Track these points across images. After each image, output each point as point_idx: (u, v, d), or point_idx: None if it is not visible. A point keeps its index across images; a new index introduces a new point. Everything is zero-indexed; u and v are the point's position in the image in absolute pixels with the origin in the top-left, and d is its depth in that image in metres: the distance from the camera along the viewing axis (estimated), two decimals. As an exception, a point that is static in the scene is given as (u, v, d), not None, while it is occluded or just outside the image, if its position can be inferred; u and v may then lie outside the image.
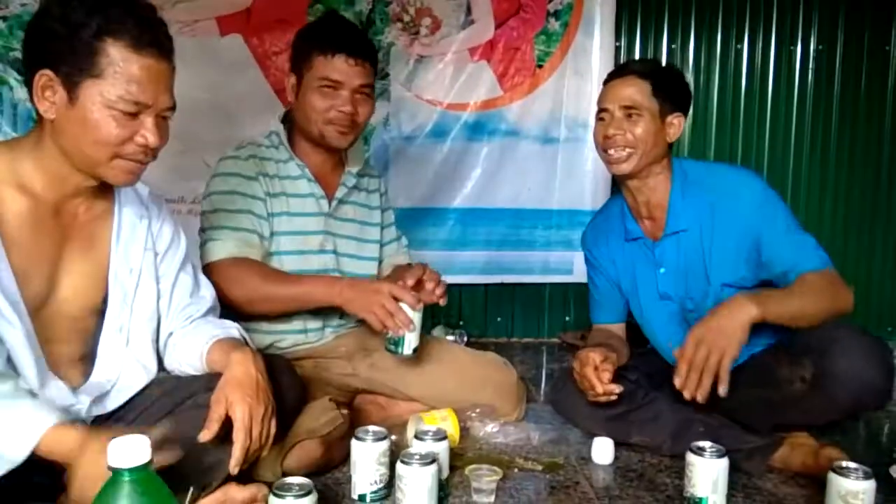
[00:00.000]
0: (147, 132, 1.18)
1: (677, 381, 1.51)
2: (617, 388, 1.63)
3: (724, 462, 1.39)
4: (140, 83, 1.14)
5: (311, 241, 1.82)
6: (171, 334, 1.41)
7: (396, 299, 1.63)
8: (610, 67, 2.80)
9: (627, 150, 1.70)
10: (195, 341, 1.37)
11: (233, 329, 1.42)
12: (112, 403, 1.32)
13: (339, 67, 1.70)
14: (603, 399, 1.65)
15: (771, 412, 1.62)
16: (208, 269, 1.66)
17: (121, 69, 1.13)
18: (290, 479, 1.22)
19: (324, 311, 1.83)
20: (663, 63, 1.93)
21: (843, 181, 2.92)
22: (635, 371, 1.81)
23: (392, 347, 1.66)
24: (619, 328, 1.96)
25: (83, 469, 1.04)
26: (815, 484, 1.52)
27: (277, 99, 2.60)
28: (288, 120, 1.86)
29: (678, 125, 1.74)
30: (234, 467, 1.23)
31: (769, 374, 1.62)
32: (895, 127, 2.92)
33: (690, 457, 1.40)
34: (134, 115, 1.16)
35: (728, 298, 1.56)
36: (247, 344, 1.41)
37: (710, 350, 1.48)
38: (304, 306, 1.74)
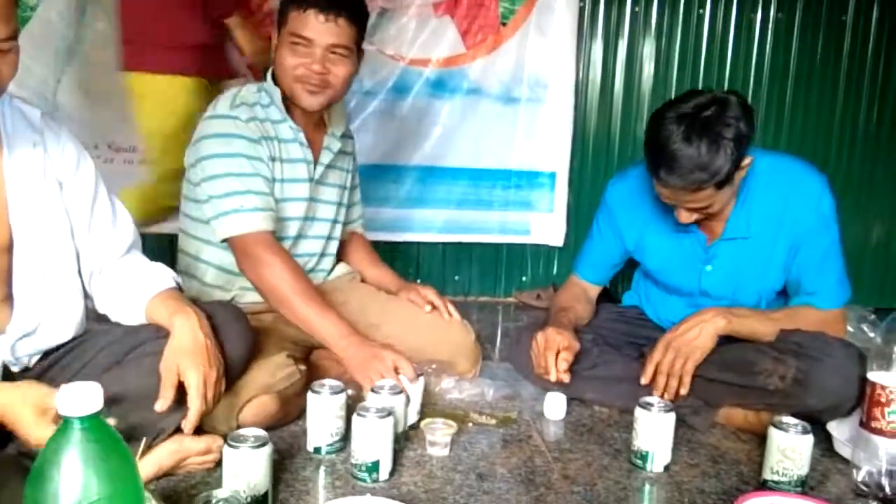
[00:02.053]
0: None
1: (643, 381, 1.58)
2: (566, 378, 1.65)
3: (670, 417, 1.44)
4: None
5: (297, 208, 1.78)
6: (91, 274, 1.34)
7: (397, 370, 1.56)
8: (573, 28, 2.79)
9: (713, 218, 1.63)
10: (130, 293, 1.32)
11: (167, 277, 1.36)
12: (43, 343, 1.27)
13: (310, 23, 1.62)
14: (552, 381, 1.67)
15: (735, 394, 1.63)
16: (237, 241, 1.62)
17: None
18: (244, 431, 1.22)
19: None
20: (709, 130, 1.47)
21: (794, 149, 2.99)
22: (593, 331, 1.82)
23: None
24: (594, 290, 1.95)
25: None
26: (756, 439, 1.59)
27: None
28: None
29: (748, 163, 1.53)
30: (188, 429, 1.24)
31: (749, 362, 1.59)
32: (847, 94, 2.98)
33: (638, 411, 1.45)
34: None
35: (699, 311, 1.63)
36: (181, 290, 1.38)
37: (676, 356, 1.59)
38: (306, 331, 1.65)
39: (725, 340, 1.64)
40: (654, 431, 1.43)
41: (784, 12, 2.89)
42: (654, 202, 1.70)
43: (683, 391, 1.58)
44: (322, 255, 1.91)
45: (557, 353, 1.66)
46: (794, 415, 1.41)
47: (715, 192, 1.51)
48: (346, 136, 1.94)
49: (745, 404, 1.64)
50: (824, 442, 1.54)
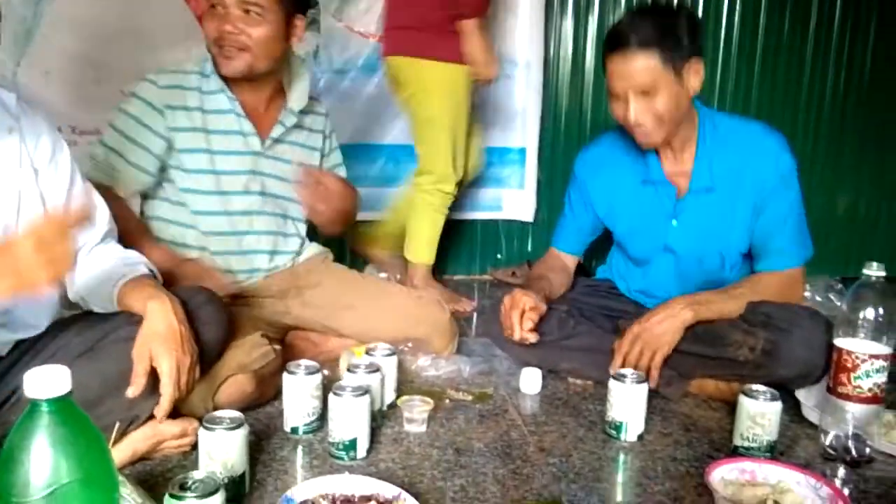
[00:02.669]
0: None
1: (611, 372, 1.58)
2: (532, 338, 1.67)
3: (643, 388, 1.46)
4: None
5: (235, 181, 1.75)
6: None
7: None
8: (542, 4, 2.78)
9: (654, 126, 1.59)
10: (103, 280, 1.30)
11: (140, 265, 1.35)
12: (16, 332, 1.25)
13: None
14: (516, 341, 1.69)
15: (706, 366, 1.66)
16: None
17: None
18: (220, 413, 1.21)
19: (252, 257, 1.81)
20: (662, 10, 1.69)
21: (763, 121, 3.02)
22: (567, 303, 1.84)
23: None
24: (571, 260, 1.96)
25: None
26: (726, 407, 1.62)
27: (199, 24, 2.47)
28: None
29: (697, 72, 1.59)
30: (161, 419, 1.23)
31: (720, 335, 1.62)
32: (814, 69, 3.02)
33: (612, 383, 1.47)
34: None
35: (666, 302, 1.65)
36: (155, 277, 1.36)
37: (644, 348, 1.61)
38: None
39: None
40: (627, 402, 1.45)
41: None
42: (621, 165, 1.77)
43: (652, 384, 1.58)
44: (281, 234, 1.87)
45: (523, 314, 1.67)
46: (765, 384, 1.44)
47: (661, 68, 1.54)
48: (312, 112, 1.89)
49: (716, 375, 1.67)
50: (793, 408, 1.58)
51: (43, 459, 0.68)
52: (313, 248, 1.98)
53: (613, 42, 1.59)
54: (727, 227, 1.70)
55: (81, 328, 1.30)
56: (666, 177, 1.73)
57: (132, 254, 1.38)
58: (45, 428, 0.68)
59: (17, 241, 1.00)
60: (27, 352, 1.27)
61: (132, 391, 1.18)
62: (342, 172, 1.99)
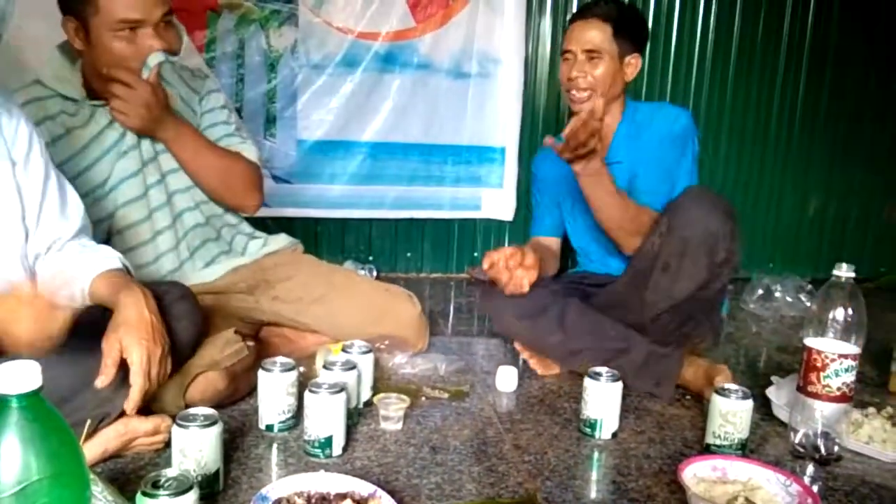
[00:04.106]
0: None
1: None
2: (525, 286, 1.73)
3: (617, 386, 1.47)
4: None
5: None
6: (37, 256, 1.30)
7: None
8: (522, 3, 2.80)
9: (588, 90, 1.82)
10: (74, 273, 1.28)
11: (113, 258, 1.33)
12: None
13: (132, 2, 1.47)
14: (516, 291, 1.73)
15: (646, 292, 1.68)
16: None
17: None
18: (194, 410, 1.20)
19: (205, 247, 1.79)
20: (626, 3, 1.97)
21: (737, 123, 3.07)
22: (553, 284, 1.91)
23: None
24: (554, 242, 2.08)
25: None
26: (698, 406, 1.65)
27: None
28: (69, 53, 1.60)
29: (635, 65, 1.87)
30: (131, 411, 1.21)
31: (640, 252, 1.72)
32: (787, 70, 3.06)
33: (587, 381, 1.48)
34: None
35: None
36: (129, 273, 1.35)
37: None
38: None
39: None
40: (602, 400, 1.47)
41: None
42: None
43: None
44: (214, 229, 1.82)
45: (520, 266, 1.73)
46: (703, 281, 1.58)
47: (611, 41, 1.81)
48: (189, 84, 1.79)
49: (661, 299, 1.67)
50: (764, 407, 1.61)
51: (13, 456, 0.67)
52: (282, 240, 1.95)
53: (580, 12, 1.92)
54: (634, 190, 1.81)
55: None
56: None
57: (105, 248, 1.36)
58: (15, 424, 0.67)
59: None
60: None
61: (101, 381, 1.16)
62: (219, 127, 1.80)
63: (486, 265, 1.74)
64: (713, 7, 2.95)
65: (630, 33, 1.85)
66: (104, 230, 1.63)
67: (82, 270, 1.28)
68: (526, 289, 1.74)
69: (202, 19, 2.53)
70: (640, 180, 1.85)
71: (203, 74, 1.85)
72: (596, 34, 1.82)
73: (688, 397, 1.71)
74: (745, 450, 1.41)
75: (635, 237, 1.73)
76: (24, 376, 0.68)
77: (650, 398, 1.70)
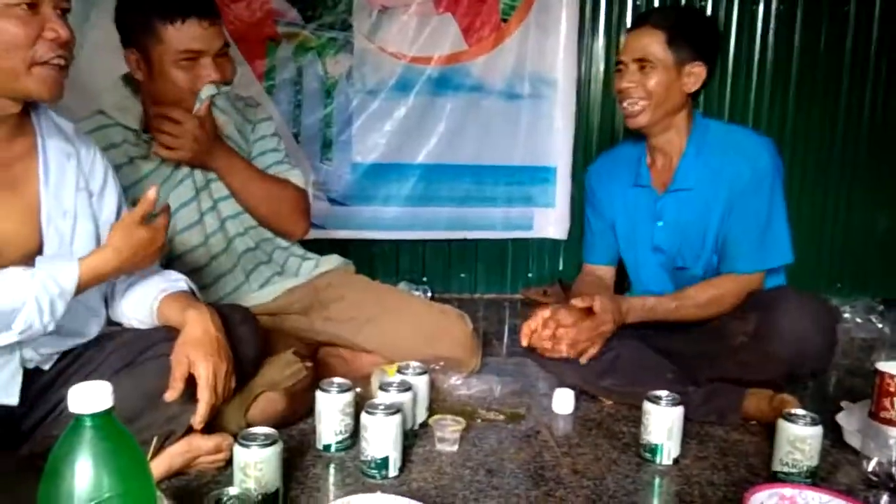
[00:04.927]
0: (54, 24, 1.11)
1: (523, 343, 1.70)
2: (562, 347, 1.67)
3: (678, 410, 1.43)
4: None
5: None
6: (112, 283, 1.37)
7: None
8: (575, 23, 2.80)
9: (641, 102, 1.70)
10: (143, 294, 1.34)
11: (181, 281, 1.39)
12: (64, 343, 1.28)
13: (194, 34, 1.55)
14: (556, 356, 1.68)
15: (712, 364, 1.67)
16: None
17: None
18: (255, 429, 1.22)
19: (258, 270, 1.83)
20: (687, 8, 1.96)
21: (800, 139, 2.98)
22: None
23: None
24: (607, 271, 1.97)
25: None
26: (765, 431, 1.58)
27: (237, 49, 2.53)
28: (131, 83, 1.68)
29: (698, 75, 1.71)
30: (198, 424, 1.24)
31: (718, 329, 1.68)
32: (852, 84, 2.97)
33: (647, 405, 1.45)
34: (33, 9, 1.10)
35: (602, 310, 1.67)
36: (195, 295, 1.39)
37: (556, 344, 1.68)
38: None
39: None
40: (663, 424, 1.43)
41: (786, 3, 2.88)
42: (619, 172, 1.88)
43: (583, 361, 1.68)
44: (265, 253, 1.87)
45: (558, 328, 1.67)
46: (783, 377, 1.50)
47: (664, 49, 1.68)
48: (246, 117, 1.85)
49: (725, 373, 1.65)
50: (834, 433, 1.54)
51: (85, 474, 0.69)
52: (333, 260, 1.99)
53: (635, 21, 1.81)
54: (703, 224, 1.74)
55: (121, 343, 1.33)
56: (652, 180, 1.81)
57: (172, 272, 1.41)
58: (88, 443, 0.70)
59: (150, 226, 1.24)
60: (70, 365, 1.29)
61: (169, 395, 1.20)
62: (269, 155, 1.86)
63: (525, 342, 1.68)
64: (771, 19, 2.89)
65: (690, 40, 1.70)
66: (164, 255, 1.69)
67: (151, 293, 1.34)
68: (565, 353, 1.67)
69: (262, 49, 2.61)
70: (730, 230, 1.72)
71: (255, 103, 1.92)
72: (647, 42, 1.70)
73: (752, 423, 1.65)
74: (815, 478, 1.35)
75: (732, 306, 1.69)
76: (96, 396, 0.71)
77: (713, 423, 1.64)
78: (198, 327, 1.26)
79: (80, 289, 1.18)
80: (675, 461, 1.44)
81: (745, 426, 1.64)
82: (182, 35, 1.55)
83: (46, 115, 1.27)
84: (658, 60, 1.69)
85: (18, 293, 1.11)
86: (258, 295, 1.83)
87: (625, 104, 1.74)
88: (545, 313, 1.68)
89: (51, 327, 1.15)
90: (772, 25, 2.89)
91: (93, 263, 1.19)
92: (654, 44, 1.69)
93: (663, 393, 1.46)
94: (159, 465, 1.24)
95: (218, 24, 1.61)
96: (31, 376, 1.22)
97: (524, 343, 1.69)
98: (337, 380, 1.46)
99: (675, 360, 1.72)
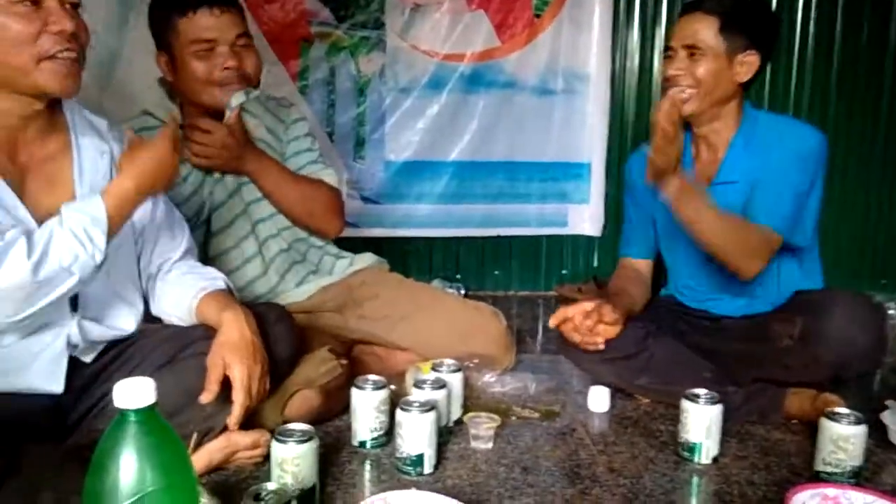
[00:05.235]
0: (57, 17, 1.12)
1: None
2: (598, 341, 1.64)
3: (717, 408, 1.41)
4: None
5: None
6: (150, 277, 1.40)
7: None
8: (609, 18, 2.77)
9: (688, 90, 1.62)
10: (182, 293, 1.37)
11: (219, 280, 1.41)
12: (106, 332, 1.31)
13: (206, 23, 1.59)
14: (591, 348, 1.66)
15: (755, 365, 1.63)
16: None
17: None
18: (291, 426, 1.24)
19: (293, 270, 1.85)
20: None
21: (842, 133, 2.90)
22: (643, 319, 1.79)
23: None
24: (645, 266, 1.92)
25: None
26: (807, 430, 1.55)
27: (271, 50, 2.56)
28: (166, 86, 1.74)
29: (751, 64, 1.63)
30: (234, 426, 1.26)
31: (762, 329, 1.64)
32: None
33: (685, 403, 1.43)
34: (36, 4, 1.11)
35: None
36: (232, 294, 1.41)
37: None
38: None
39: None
40: (701, 423, 1.41)
41: (827, -7, 2.82)
42: None
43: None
44: (299, 253, 1.88)
45: (598, 323, 1.63)
46: (829, 379, 1.45)
47: (716, 36, 1.59)
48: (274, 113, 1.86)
49: (768, 374, 1.62)
50: (878, 432, 1.50)
51: (130, 467, 0.71)
52: (367, 258, 2.00)
53: (686, 4, 1.70)
54: (748, 211, 1.64)
55: (161, 340, 1.35)
56: (696, 172, 1.72)
57: (210, 270, 1.44)
58: (133, 437, 0.71)
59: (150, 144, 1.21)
60: (112, 361, 1.32)
61: (205, 397, 1.22)
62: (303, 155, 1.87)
63: (554, 322, 1.64)
64: (812, 8, 2.82)
65: (745, 27, 1.61)
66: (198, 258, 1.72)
67: (190, 291, 1.36)
68: (602, 346, 1.65)
69: (296, 49, 2.64)
70: (758, 197, 1.63)
71: (288, 103, 1.94)
72: (698, 28, 1.61)
73: (794, 422, 1.62)
74: (859, 478, 1.32)
75: (753, 259, 1.57)
76: (140, 392, 0.72)
77: (753, 422, 1.62)
78: (234, 330, 1.28)
79: (111, 217, 1.15)
80: (715, 460, 1.42)
81: (787, 425, 1.61)
82: (194, 24, 1.59)
83: (80, 112, 1.29)
84: (708, 48, 1.61)
85: (55, 236, 1.11)
86: (294, 293, 1.85)
87: (671, 92, 1.65)
88: (588, 305, 1.65)
89: (98, 257, 1.14)
90: (812, 12, 2.82)
91: (112, 191, 1.18)
92: (705, 30, 1.61)
93: (701, 391, 1.44)
94: (199, 461, 1.26)
95: (232, 12, 1.64)
96: (74, 368, 1.25)
97: (552, 324, 1.65)
98: (372, 377, 1.47)
99: (713, 359, 1.68)
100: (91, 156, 1.28)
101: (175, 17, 1.60)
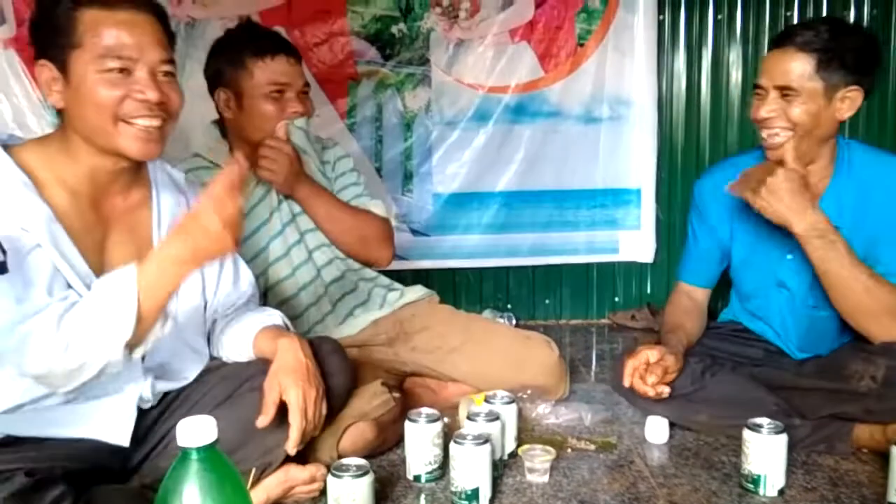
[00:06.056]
0: (142, 86, 1.15)
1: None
2: (654, 392, 1.61)
3: (781, 438, 1.36)
4: (118, 38, 1.14)
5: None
6: (214, 321, 1.44)
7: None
8: (653, 44, 2.76)
9: (784, 134, 1.50)
10: (242, 330, 1.41)
11: (276, 316, 1.45)
12: (172, 383, 1.34)
13: (283, 69, 1.72)
14: (653, 397, 1.62)
15: (831, 402, 1.54)
16: None
17: (96, 30, 1.13)
18: (347, 460, 1.25)
19: (343, 301, 1.88)
20: (840, 24, 1.61)
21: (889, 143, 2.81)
22: (700, 353, 1.74)
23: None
24: (702, 294, 1.84)
25: None
26: (878, 460, 1.49)
27: (321, 90, 2.63)
28: (221, 127, 1.83)
29: (853, 100, 1.50)
30: (291, 448, 1.27)
31: (841, 366, 1.55)
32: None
33: (747, 434, 1.38)
34: (125, 73, 1.15)
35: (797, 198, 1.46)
36: (288, 329, 1.44)
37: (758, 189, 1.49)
38: None
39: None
40: (765, 454, 1.36)
41: (879, 9, 2.75)
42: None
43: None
44: (351, 283, 1.91)
45: (647, 368, 1.61)
46: None
47: (812, 75, 1.47)
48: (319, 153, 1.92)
49: (844, 413, 1.54)
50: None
51: (193, 504, 0.73)
52: (417, 291, 2.02)
53: (777, 38, 1.56)
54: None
55: (221, 378, 1.39)
56: None
57: (269, 309, 1.48)
58: (195, 475, 0.73)
59: (198, 209, 1.12)
60: (174, 400, 1.36)
61: (262, 421, 1.25)
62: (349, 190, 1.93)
63: (627, 382, 1.62)
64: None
65: (845, 63, 1.47)
66: (259, 288, 1.77)
67: (248, 328, 1.40)
68: (667, 395, 1.62)
69: (343, 89, 2.71)
70: (884, 252, 1.53)
71: (332, 143, 2.02)
72: (792, 68, 1.47)
73: (864, 450, 1.55)
74: (939, 511, 1.26)
75: (883, 319, 1.47)
76: (202, 430, 0.74)
77: (821, 452, 1.55)
78: (289, 354, 1.31)
79: (147, 283, 1.07)
80: (781, 492, 1.37)
81: (857, 454, 1.54)
82: (272, 69, 1.71)
83: (162, 167, 1.36)
84: (804, 89, 1.47)
85: (84, 314, 1.08)
86: (344, 327, 1.88)
87: (764, 133, 1.54)
88: (652, 355, 1.61)
89: (127, 334, 1.07)
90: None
91: (150, 257, 1.11)
92: (799, 70, 1.47)
93: (764, 420, 1.40)
94: (258, 495, 1.28)
95: (299, 64, 1.78)
96: (139, 416, 1.28)
97: (626, 384, 1.63)
98: (425, 410, 1.48)
99: (779, 392, 1.61)
100: (168, 207, 1.33)
101: (249, 58, 1.71)
